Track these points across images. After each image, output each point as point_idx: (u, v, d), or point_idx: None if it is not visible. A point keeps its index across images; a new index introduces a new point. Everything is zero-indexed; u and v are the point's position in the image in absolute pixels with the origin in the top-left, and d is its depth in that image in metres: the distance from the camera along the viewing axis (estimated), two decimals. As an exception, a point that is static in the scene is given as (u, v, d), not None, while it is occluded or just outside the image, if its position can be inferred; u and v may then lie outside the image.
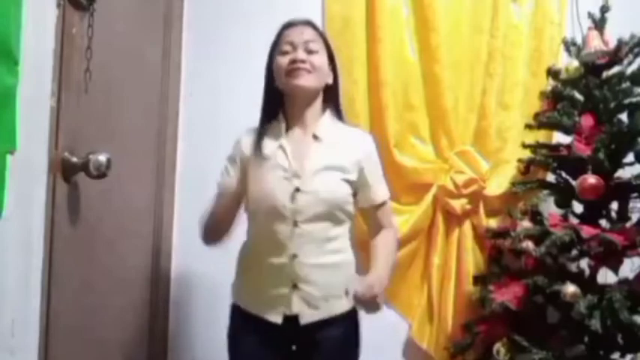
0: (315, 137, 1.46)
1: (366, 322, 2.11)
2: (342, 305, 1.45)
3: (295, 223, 1.39)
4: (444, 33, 2.11)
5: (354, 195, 1.49)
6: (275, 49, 1.48)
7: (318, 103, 1.50)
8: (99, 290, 1.43)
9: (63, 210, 1.19)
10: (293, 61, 1.42)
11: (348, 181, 1.45)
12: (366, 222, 1.61)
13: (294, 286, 1.40)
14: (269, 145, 1.46)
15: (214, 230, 1.50)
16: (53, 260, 1.13)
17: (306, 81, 1.43)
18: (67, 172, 1.20)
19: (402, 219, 2.13)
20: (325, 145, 1.46)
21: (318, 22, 2.14)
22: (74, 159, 1.20)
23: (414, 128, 2.15)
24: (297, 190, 1.40)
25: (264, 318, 1.41)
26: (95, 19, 1.26)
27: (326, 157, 1.44)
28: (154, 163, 1.92)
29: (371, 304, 1.38)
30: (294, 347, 1.44)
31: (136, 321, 1.78)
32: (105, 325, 1.49)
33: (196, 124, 2.13)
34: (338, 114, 1.55)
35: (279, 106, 1.49)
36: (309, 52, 1.44)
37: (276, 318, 1.40)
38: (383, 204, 1.54)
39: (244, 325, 1.46)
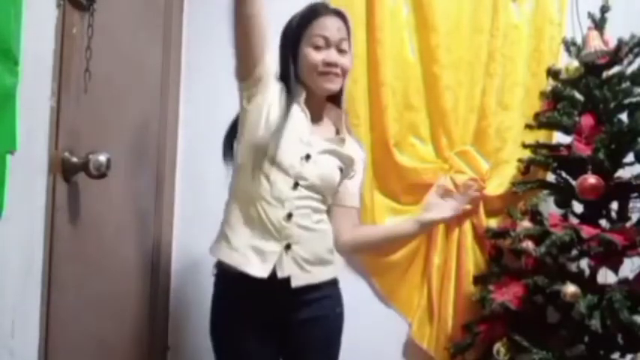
0: (328, 129, 1.52)
1: (367, 322, 2.13)
2: (330, 272, 1.49)
3: (296, 185, 1.41)
4: (444, 33, 2.11)
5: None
6: (302, 34, 1.45)
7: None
8: (99, 290, 1.43)
9: (63, 210, 1.19)
10: (327, 64, 1.43)
11: (341, 172, 1.51)
12: (336, 221, 1.57)
13: (287, 247, 1.40)
14: (294, 105, 1.45)
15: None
16: (53, 260, 1.13)
17: (336, 85, 1.47)
18: (67, 172, 1.19)
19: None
20: (336, 139, 1.51)
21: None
22: (74, 159, 1.20)
23: (414, 128, 2.15)
24: (308, 157, 1.42)
25: (246, 273, 1.37)
26: (95, 19, 1.25)
27: (334, 142, 1.50)
28: (154, 163, 1.92)
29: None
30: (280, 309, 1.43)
31: (135, 321, 1.78)
32: (105, 325, 1.49)
33: (196, 123, 2.13)
34: (338, 103, 1.58)
35: (296, 76, 1.47)
36: (340, 51, 1.45)
37: (263, 272, 1.37)
38: (351, 208, 1.59)
39: (229, 289, 1.44)
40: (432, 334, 2.14)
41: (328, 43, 1.43)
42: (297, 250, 1.41)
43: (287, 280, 1.40)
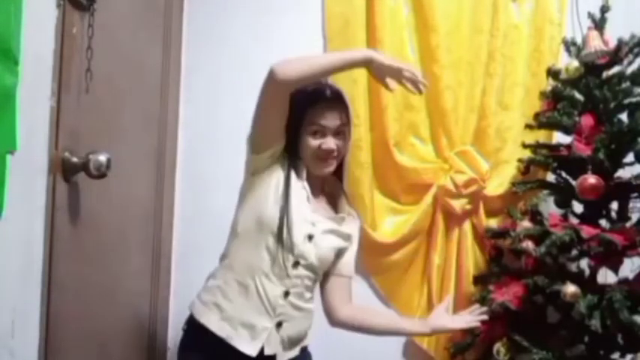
0: (330, 204, 1.54)
1: (366, 322, 2.13)
2: (306, 342, 1.52)
3: (297, 263, 1.41)
4: (444, 33, 2.11)
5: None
6: (305, 115, 1.43)
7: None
8: (99, 290, 1.43)
9: (63, 210, 1.19)
10: (324, 151, 1.44)
11: (335, 251, 1.51)
12: (330, 291, 1.55)
13: (279, 325, 1.40)
14: (296, 182, 1.46)
15: (305, 73, 1.33)
16: (53, 260, 1.13)
17: (331, 168, 1.48)
18: (67, 172, 1.19)
19: (402, 219, 2.14)
20: (335, 218, 1.52)
21: (318, 22, 2.16)
22: (74, 159, 1.20)
23: (414, 128, 2.15)
24: (310, 237, 1.43)
25: (235, 347, 1.37)
26: (95, 18, 1.25)
27: (335, 222, 1.51)
28: (154, 163, 1.92)
29: None
30: None
31: (136, 321, 1.78)
32: (105, 325, 1.49)
33: (196, 123, 2.13)
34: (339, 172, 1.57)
35: (298, 152, 1.48)
36: (338, 135, 1.46)
37: (252, 350, 1.37)
38: (349, 278, 1.58)
39: (208, 348, 1.40)
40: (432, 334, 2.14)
41: (325, 131, 1.44)
42: (287, 328, 1.42)
43: (273, 356, 1.41)
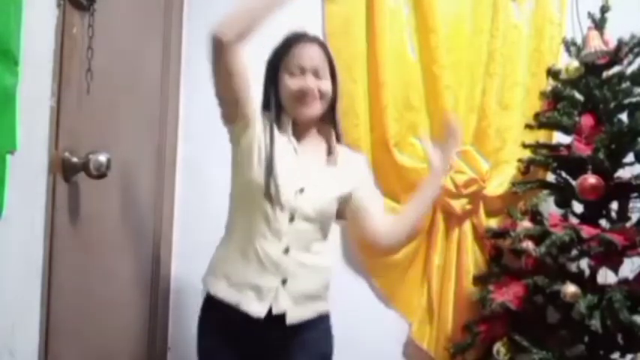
0: (330, 152, 1.50)
1: (367, 322, 2.13)
2: (322, 306, 1.48)
3: (292, 218, 1.40)
4: (444, 33, 2.11)
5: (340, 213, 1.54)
6: (280, 62, 1.46)
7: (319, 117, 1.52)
8: (99, 291, 1.43)
9: (63, 210, 1.19)
10: (302, 89, 1.43)
11: (338, 200, 1.50)
12: (365, 221, 1.56)
13: (284, 282, 1.39)
14: (280, 137, 1.45)
15: (246, 22, 1.33)
16: (53, 260, 1.13)
17: (313, 110, 1.46)
18: (67, 172, 1.19)
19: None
20: (328, 160, 1.49)
21: (318, 22, 2.16)
22: (74, 159, 1.20)
23: (414, 128, 2.15)
24: (302, 190, 1.41)
25: (244, 311, 1.37)
26: (95, 18, 1.25)
27: (328, 171, 1.48)
28: (154, 163, 1.92)
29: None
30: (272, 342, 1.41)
31: (135, 321, 1.78)
32: (105, 325, 1.49)
33: (197, 123, 2.13)
34: (335, 129, 1.55)
35: (281, 107, 1.48)
36: (318, 77, 1.45)
37: (260, 311, 1.37)
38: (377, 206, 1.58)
39: (221, 318, 1.42)
40: (432, 334, 2.14)
41: (304, 71, 1.44)
42: (293, 284, 1.40)
43: (282, 315, 1.39)
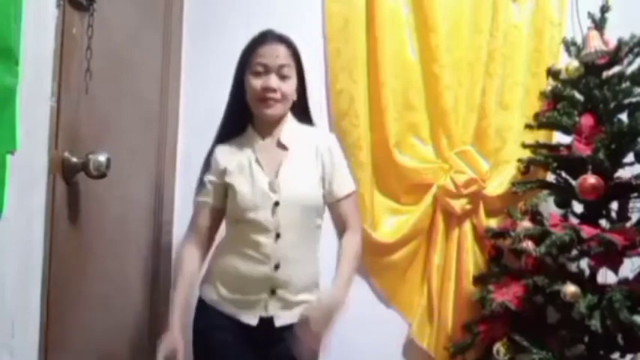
0: (281, 145, 1.52)
1: (367, 322, 2.13)
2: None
3: (278, 235, 1.44)
4: (444, 33, 2.11)
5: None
6: (246, 62, 1.50)
7: (285, 116, 1.55)
8: (99, 291, 1.43)
9: (63, 210, 1.19)
10: (265, 89, 1.46)
11: (317, 181, 1.51)
12: (333, 219, 1.58)
13: (273, 292, 1.45)
14: (244, 157, 1.50)
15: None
16: (53, 260, 1.13)
17: (275, 110, 1.49)
18: (67, 172, 1.19)
19: (402, 219, 2.14)
20: (292, 151, 1.51)
21: (318, 22, 2.16)
22: (74, 159, 1.20)
23: (414, 128, 2.15)
24: (277, 204, 1.45)
25: (238, 320, 1.44)
26: (95, 19, 1.25)
27: (295, 163, 1.50)
28: (154, 163, 1.92)
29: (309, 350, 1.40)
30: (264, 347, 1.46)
31: (136, 321, 1.78)
32: (105, 325, 1.49)
33: (197, 123, 2.12)
34: (307, 118, 1.60)
35: (248, 117, 1.53)
36: (281, 77, 1.47)
37: (252, 320, 1.44)
38: (347, 197, 1.55)
39: (215, 321, 1.47)
40: (432, 334, 2.14)
41: (268, 70, 1.46)
42: (282, 293, 1.45)
43: (271, 318, 1.45)
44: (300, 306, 1.47)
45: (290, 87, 1.49)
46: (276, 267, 1.44)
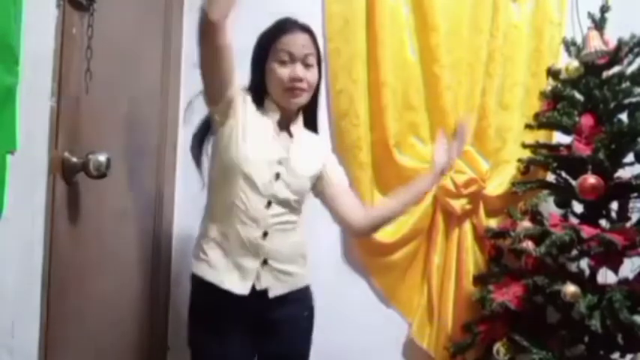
0: (289, 132, 1.53)
1: (367, 322, 2.13)
2: (302, 279, 1.55)
3: (269, 203, 1.44)
4: (444, 33, 2.11)
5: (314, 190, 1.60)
6: (269, 50, 1.48)
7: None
8: (98, 290, 1.43)
9: (63, 210, 1.19)
10: (292, 79, 1.45)
11: (311, 179, 1.55)
12: (335, 206, 1.61)
13: (264, 262, 1.45)
14: (262, 121, 1.49)
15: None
16: (53, 260, 1.13)
17: (302, 99, 1.50)
18: (67, 172, 1.19)
19: (402, 219, 2.12)
20: (297, 141, 1.53)
21: (318, 22, 2.16)
22: (74, 159, 1.20)
23: (414, 128, 2.15)
24: (278, 176, 1.45)
25: (228, 289, 1.42)
26: (95, 19, 1.25)
27: (301, 151, 1.52)
28: (154, 163, 1.92)
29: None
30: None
31: (136, 322, 1.78)
32: (105, 325, 1.49)
33: (196, 123, 2.12)
34: (312, 123, 1.61)
35: (265, 92, 1.51)
36: (306, 65, 1.47)
37: (243, 289, 1.43)
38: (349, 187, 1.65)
39: (208, 299, 1.47)
40: (432, 334, 2.14)
41: (293, 59, 1.46)
42: (274, 264, 1.47)
43: (264, 290, 1.46)
44: (289, 276, 1.48)
45: (314, 75, 1.50)
46: (265, 233, 1.44)
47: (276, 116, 1.50)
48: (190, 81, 2.13)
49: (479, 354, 2.02)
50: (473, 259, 2.12)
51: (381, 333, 2.16)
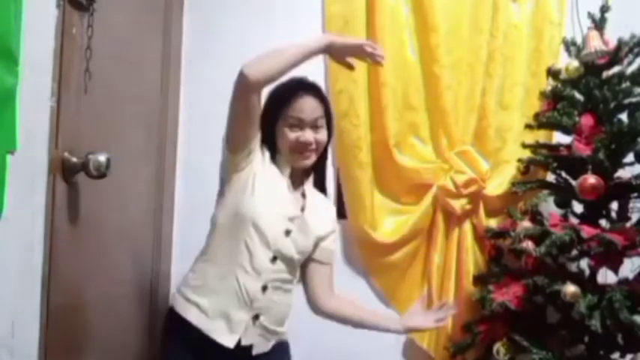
0: (304, 195, 1.53)
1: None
2: (285, 335, 1.54)
3: (275, 258, 1.44)
4: (444, 33, 2.11)
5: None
6: (279, 113, 1.47)
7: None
8: (98, 291, 1.43)
9: (63, 210, 1.19)
10: (302, 144, 1.46)
11: (317, 239, 1.53)
12: (311, 280, 1.58)
13: (255, 317, 1.43)
14: (278, 175, 1.49)
15: (276, 67, 1.36)
16: (53, 260, 1.13)
17: (311, 160, 1.50)
18: (67, 172, 1.19)
19: (402, 219, 2.14)
20: (313, 204, 1.53)
21: (318, 22, 2.16)
22: (74, 159, 1.20)
23: (414, 128, 2.15)
24: (288, 232, 1.45)
25: (214, 340, 1.40)
26: (95, 18, 1.25)
27: (314, 212, 1.52)
28: (153, 163, 1.92)
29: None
30: None
31: (136, 321, 1.78)
32: (105, 325, 1.49)
33: (197, 124, 2.13)
34: (321, 177, 1.60)
35: (276, 149, 1.50)
36: (316, 128, 1.48)
37: (230, 342, 1.40)
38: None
39: (188, 339, 1.43)
40: (432, 334, 2.14)
41: (303, 124, 1.46)
42: (264, 321, 1.44)
43: (249, 346, 1.44)
44: (275, 335, 1.48)
45: (323, 136, 1.50)
46: (264, 289, 1.42)
47: (287, 171, 1.50)
48: (190, 81, 2.14)
49: (479, 354, 2.02)
50: (473, 259, 2.12)
51: (381, 333, 2.16)
